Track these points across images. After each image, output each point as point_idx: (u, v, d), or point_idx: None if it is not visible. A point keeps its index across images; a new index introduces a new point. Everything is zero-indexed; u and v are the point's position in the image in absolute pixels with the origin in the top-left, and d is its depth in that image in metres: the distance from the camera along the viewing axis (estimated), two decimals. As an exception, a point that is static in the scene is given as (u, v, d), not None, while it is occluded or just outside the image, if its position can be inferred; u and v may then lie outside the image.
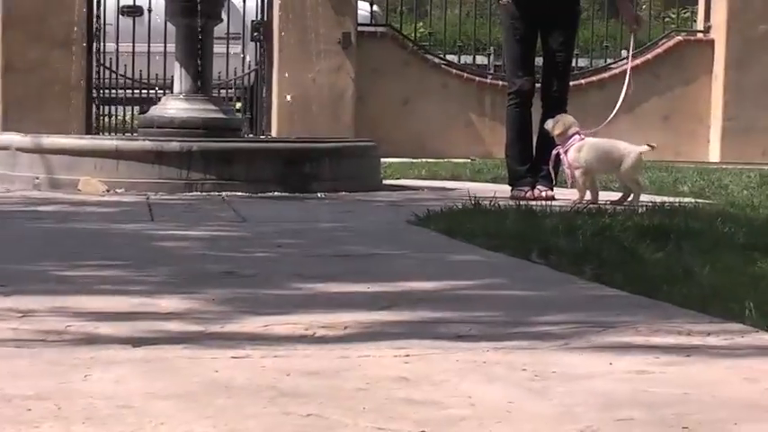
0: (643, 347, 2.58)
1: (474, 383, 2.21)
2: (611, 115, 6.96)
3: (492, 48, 13.24)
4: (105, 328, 2.72)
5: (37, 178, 7.29)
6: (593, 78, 12.71)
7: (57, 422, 1.88)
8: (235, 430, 1.85)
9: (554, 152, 6.52)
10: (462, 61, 13.34)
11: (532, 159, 7.04)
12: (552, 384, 2.21)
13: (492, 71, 13.00)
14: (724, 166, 10.79)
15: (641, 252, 4.03)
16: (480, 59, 13.52)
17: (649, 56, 12.87)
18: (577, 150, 6.41)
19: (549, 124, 6.58)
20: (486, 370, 2.34)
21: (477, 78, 12.56)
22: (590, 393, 2.14)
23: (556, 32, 7.00)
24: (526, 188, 6.90)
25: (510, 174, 7.18)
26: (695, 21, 13.62)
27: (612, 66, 12.97)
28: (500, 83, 12.57)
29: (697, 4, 13.47)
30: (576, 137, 6.46)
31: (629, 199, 6.30)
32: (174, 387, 2.15)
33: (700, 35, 13.11)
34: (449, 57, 13.07)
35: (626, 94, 7.00)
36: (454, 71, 12.65)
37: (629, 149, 6.51)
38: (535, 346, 2.59)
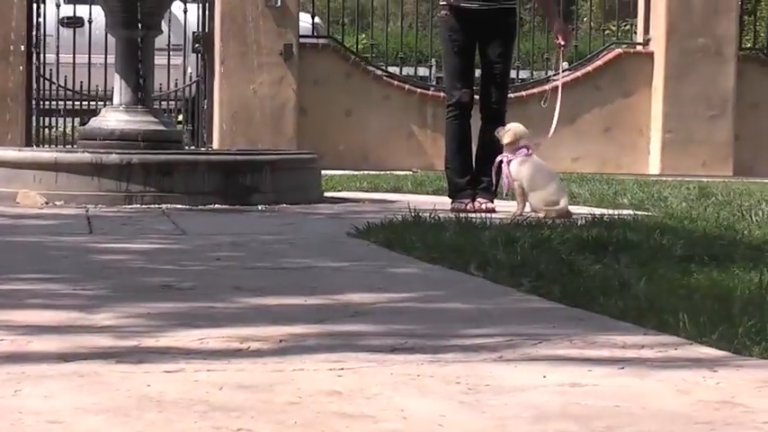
0: (577, 360, 2.59)
1: (407, 397, 2.21)
2: (552, 131, 6.98)
3: (434, 60, 13.28)
4: (37, 343, 2.70)
5: (-26, 191, 7.22)
6: (535, 90, 12.75)
7: (-17, 439, 1.87)
8: (165, 446, 1.85)
9: (498, 159, 6.52)
10: (404, 73, 13.39)
11: (472, 171, 7.06)
12: (485, 397, 2.22)
13: (434, 83, 13.06)
14: (664, 178, 10.88)
15: (579, 264, 4.05)
16: (422, 71, 13.58)
17: (590, 68, 12.97)
18: (519, 164, 6.41)
19: (499, 132, 6.57)
20: (419, 383, 2.34)
21: (419, 90, 12.60)
22: (523, 406, 2.15)
23: (494, 44, 7.03)
24: (466, 200, 6.93)
25: (450, 186, 7.19)
26: (635, 33, 13.74)
27: (554, 78, 13.04)
28: (442, 94, 12.59)
29: (637, 16, 13.59)
30: (524, 150, 6.46)
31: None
32: (105, 402, 2.13)
33: (639, 47, 13.23)
34: (391, 68, 13.10)
35: (558, 109, 6.99)
36: (396, 83, 12.68)
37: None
38: (470, 358, 2.59)
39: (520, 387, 2.31)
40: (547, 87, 11.25)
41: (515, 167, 6.41)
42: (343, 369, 2.45)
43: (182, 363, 2.50)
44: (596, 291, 3.50)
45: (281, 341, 2.77)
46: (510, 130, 6.51)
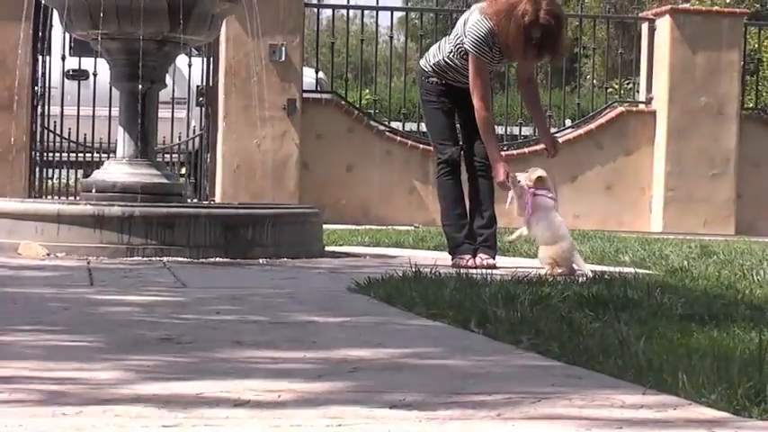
0: (576, 419, 2.58)
1: (405, 454, 2.21)
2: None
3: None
4: (35, 395, 2.69)
5: (-24, 242, 7.24)
6: (537, 147, 12.79)
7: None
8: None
9: (528, 190, 6.57)
10: (407, 128, 13.43)
11: (469, 225, 7.11)
12: (483, 455, 2.21)
13: (436, 139, 13.08)
14: (666, 236, 10.89)
15: (579, 322, 4.05)
16: (424, 127, 13.62)
17: (592, 125, 13.02)
18: (538, 219, 6.53)
19: (522, 175, 6.68)
20: (417, 440, 2.34)
21: (422, 146, 12.64)
22: (520, 465, 2.14)
23: (471, 108, 7.07)
24: (467, 256, 6.95)
25: (449, 242, 7.22)
26: (638, 91, 13.81)
27: (556, 135, 13.09)
28: (444, 151, 12.65)
29: (639, 75, 13.65)
30: (547, 191, 6.61)
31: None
32: (103, 456, 2.13)
33: (642, 106, 13.29)
34: (393, 124, 13.15)
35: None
36: (398, 138, 12.73)
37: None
38: (468, 416, 2.59)
39: (518, 445, 2.30)
40: (561, 140, 11.33)
41: (535, 219, 6.50)
42: (341, 426, 2.44)
43: (180, 417, 2.49)
44: (596, 349, 3.49)
45: (279, 396, 2.76)
46: (538, 171, 6.61)
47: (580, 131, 12.97)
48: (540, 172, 6.66)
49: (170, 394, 2.75)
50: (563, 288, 5.00)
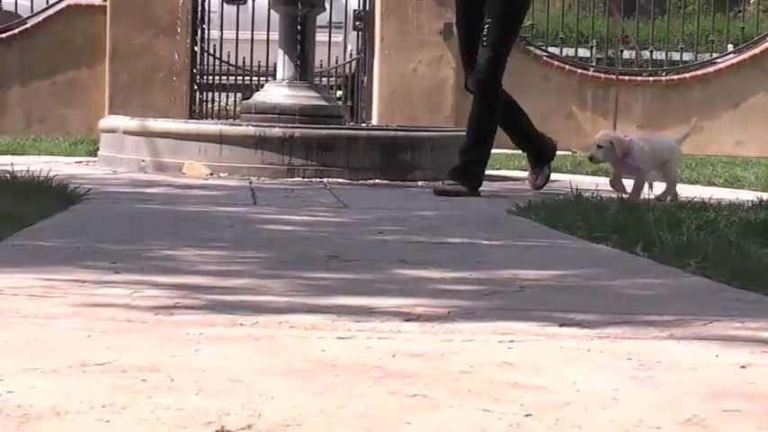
0: (749, 341, 2.56)
1: (578, 370, 2.22)
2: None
3: (594, 41, 13.16)
4: (213, 306, 2.77)
5: (143, 161, 7.42)
6: (698, 73, 12.58)
7: (170, 393, 1.93)
8: (343, 407, 1.88)
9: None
10: (564, 53, 13.28)
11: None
12: (657, 374, 2.21)
13: (594, 63, 12.93)
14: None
15: (747, 248, 3.99)
16: (582, 52, 13.45)
17: (756, 50, 12.69)
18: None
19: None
20: (590, 358, 2.34)
21: (579, 71, 12.49)
22: (696, 383, 2.14)
23: None
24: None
25: None
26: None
27: (717, 60, 12.82)
28: (602, 75, 12.51)
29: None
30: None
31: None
32: (281, 364, 2.19)
33: (808, 30, 12.91)
34: (550, 49, 13.02)
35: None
36: (556, 63, 12.60)
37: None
38: (639, 335, 2.59)
39: (692, 365, 2.30)
40: (722, 66, 11.02)
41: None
42: (512, 342, 2.47)
43: (353, 330, 2.54)
44: (765, 274, 3.45)
45: (449, 312, 2.79)
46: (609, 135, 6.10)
47: (744, 56, 12.66)
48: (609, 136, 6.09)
49: (341, 308, 2.80)
50: (728, 214, 4.92)
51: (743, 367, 2.30)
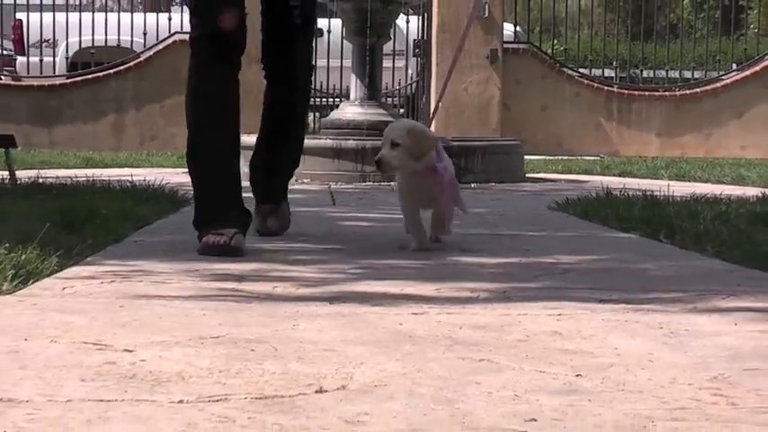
0: (763, 311, 2.53)
1: (618, 338, 2.21)
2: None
3: (616, 62, 13.06)
4: (305, 290, 2.78)
5: (238, 170, 7.45)
6: (707, 88, 12.47)
7: (275, 360, 1.94)
8: (421, 370, 1.89)
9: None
10: (592, 73, 13.21)
11: None
12: (685, 340, 2.20)
13: (617, 81, 12.85)
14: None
15: (755, 234, 3.95)
16: (608, 72, 13.37)
17: (757, 68, 12.55)
18: None
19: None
20: (627, 327, 2.33)
21: (606, 88, 12.44)
22: (719, 347, 2.12)
23: None
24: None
25: None
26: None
27: (724, 77, 12.69)
28: (626, 92, 12.43)
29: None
30: None
31: None
32: (366, 336, 2.19)
33: (802, 50, 12.74)
34: (581, 70, 12.95)
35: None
36: (585, 82, 12.55)
37: None
38: (667, 309, 2.57)
39: (715, 332, 2.28)
40: (728, 82, 10.85)
41: None
42: (560, 315, 2.46)
43: (425, 307, 2.54)
44: (772, 256, 3.40)
45: (504, 292, 2.79)
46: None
47: (746, 73, 12.52)
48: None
49: (413, 290, 2.81)
50: (737, 206, 4.87)
51: (760, 332, 2.28)
